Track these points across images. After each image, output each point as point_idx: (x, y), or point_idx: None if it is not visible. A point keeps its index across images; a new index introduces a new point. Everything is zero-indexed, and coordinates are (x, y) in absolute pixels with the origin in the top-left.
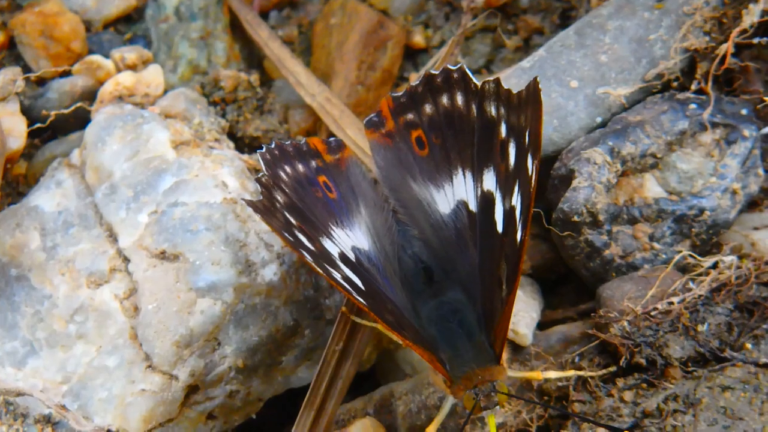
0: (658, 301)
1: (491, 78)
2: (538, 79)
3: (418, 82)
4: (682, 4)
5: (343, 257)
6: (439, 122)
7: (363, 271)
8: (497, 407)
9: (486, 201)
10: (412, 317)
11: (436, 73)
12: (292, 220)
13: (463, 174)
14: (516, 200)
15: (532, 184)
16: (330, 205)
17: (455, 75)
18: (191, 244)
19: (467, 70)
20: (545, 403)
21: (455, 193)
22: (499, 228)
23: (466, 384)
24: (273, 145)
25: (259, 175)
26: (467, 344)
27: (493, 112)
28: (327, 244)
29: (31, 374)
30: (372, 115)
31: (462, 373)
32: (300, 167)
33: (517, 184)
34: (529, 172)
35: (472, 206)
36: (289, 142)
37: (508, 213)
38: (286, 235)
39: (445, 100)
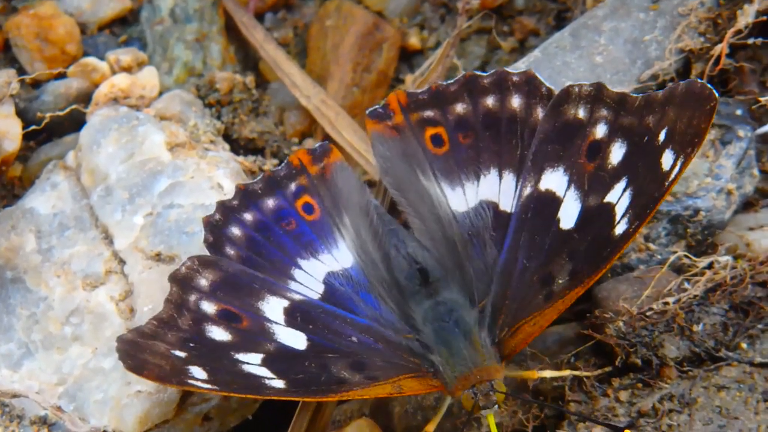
0: (654, 302)
1: (586, 83)
2: (703, 82)
3: (452, 81)
4: (676, 5)
5: (290, 311)
6: (472, 122)
7: (330, 304)
8: (496, 406)
9: (540, 200)
10: (399, 328)
11: (483, 74)
12: (210, 310)
13: (499, 174)
14: (616, 197)
15: (672, 178)
16: (304, 235)
17: (515, 78)
18: (187, 246)
19: (538, 75)
20: (541, 402)
21: (479, 192)
22: (566, 225)
23: (464, 384)
24: (233, 194)
25: (175, 271)
26: (464, 344)
27: (582, 114)
28: (267, 305)
29: (26, 376)
30: (377, 106)
31: (459, 374)
32: (269, 203)
33: (622, 181)
34: (664, 168)
35: (506, 206)
36: (257, 180)
37: (594, 209)
38: (176, 353)
39: (490, 101)
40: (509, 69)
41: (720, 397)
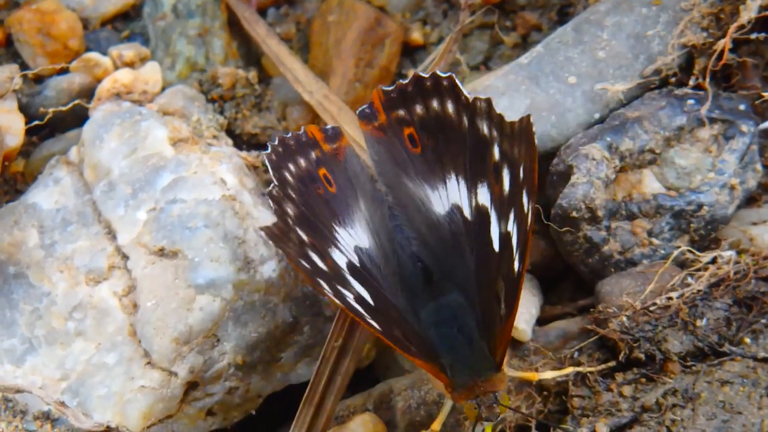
0: (657, 297)
1: (483, 97)
2: (531, 117)
3: (407, 81)
4: (679, 0)
5: (351, 267)
6: (430, 124)
7: (367, 275)
8: (498, 417)
9: (481, 215)
10: (413, 320)
11: (426, 76)
12: (304, 237)
13: (457, 180)
14: (512, 228)
15: (528, 224)
16: (330, 202)
17: (445, 83)
18: (190, 241)
19: (457, 81)
20: (543, 399)
21: (449, 196)
22: (496, 247)
23: (467, 394)
24: (276, 142)
25: (270, 188)
26: (468, 350)
27: (485, 131)
28: (335, 254)
29: (30, 371)
30: (364, 106)
31: (463, 383)
32: (302, 162)
33: (512, 212)
34: (525, 209)
35: (467, 213)
36: (290, 135)
37: (504, 237)
38: (303, 262)
39: (435, 104)
40: (511, 64)
41: (723, 391)
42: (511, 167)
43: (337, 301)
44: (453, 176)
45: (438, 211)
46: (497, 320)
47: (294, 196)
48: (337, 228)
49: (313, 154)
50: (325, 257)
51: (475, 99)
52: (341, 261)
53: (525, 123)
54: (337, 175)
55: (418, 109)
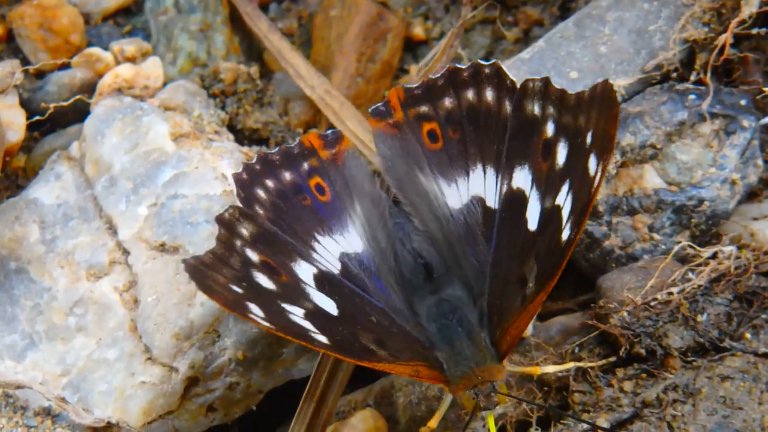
0: (658, 292)
1: (537, 77)
2: (609, 81)
3: (438, 75)
4: None
5: (320, 278)
6: (459, 117)
7: (348, 282)
8: (497, 407)
9: (514, 198)
10: (406, 320)
11: (463, 66)
12: (254, 258)
13: (483, 170)
14: (563, 200)
15: (595, 185)
16: (319, 211)
17: (487, 70)
18: (191, 236)
19: (502, 66)
20: (544, 394)
21: (470, 188)
22: (532, 226)
23: (466, 384)
24: (255, 159)
25: (221, 212)
26: (467, 343)
27: (537, 110)
28: (300, 268)
29: (30, 367)
30: (379, 104)
31: (461, 373)
32: (286, 176)
33: (566, 183)
34: (591, 173)
35: (491, 203)
36: (275, 151)
37: (549, 212)
38: (233, 288)
39: (470, 95)
40: (513, 59)
41: (724, 387)
42: (572, 138)
43: (267, 324)
44: (479, 167)
45: (452, 205)
46: (516, 305)
47: (260, 212)
48: (318, 237)
49: (305, 165)
50: (281, 273)
51: (527, 80)
52: (306, 273)
53: (603, 87)
54: (333, 181)
55: (447, 102)
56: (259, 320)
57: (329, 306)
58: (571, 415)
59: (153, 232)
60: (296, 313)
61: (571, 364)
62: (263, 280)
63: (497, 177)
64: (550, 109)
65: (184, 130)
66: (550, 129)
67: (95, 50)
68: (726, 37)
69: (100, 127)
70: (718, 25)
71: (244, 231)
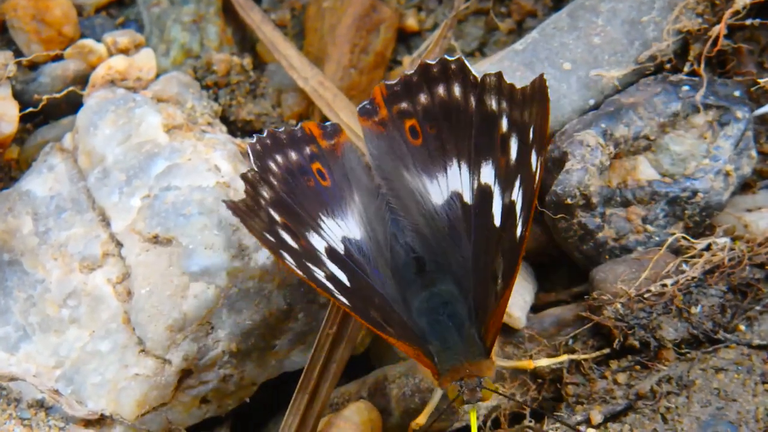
0: (652, 284)
1: (492, 72)
2: (545, 76)
3: (412, 71)
4: None
5: (330, 252)
6: (434, 112)
7: (351, 263)
8: (479, 402)
9: (483, 194)
10: (401, 309)
11: (433, 62)
12: (276, 217)
13: (459, 166)
14: (517, 195)
15: (536, 181)
16: (322, 194)
17: (453, 66)
18: (184, 228)
19: (466, 62)
20: (538, 386)
21: (449, 184)
22: (497, 222)
23: (453, 376)
24: (265, 134)
25: (245, 171)
26: (457, 337)
27: (494, 105)
28: (313, 239)
29: (24, 359)
30: (365, 102)
31: (450, 366)
32: (293, 155)
33: (518, 179)
34: (533, 169)
35: (467, 198)
36: (282, 129)
37: (508, 207)
38: (267, 236)
39: (441, 90)
40: (506, 51)
41: (718, 379)
42: (520, 133)
43: (299, 272)
44: (454, 162)
45: (435, 202)
46: (492, 301)
47: (274, 182)
48: (323, 218)
49: (308, 150)
50: (299, 238)
51: (485, 75)
52: (319, 244)
53: (538, 83)
54: (333, 170)
55: (423, 98)
56: (294, 268)
57: (343, 277)
58: (556, 418)
59: (146, 224)
60: (319, 274)
61: (564, 357)
62: (287, 238)
63: (470, 172)
64: (504, 104)
65: (177, 121)
66: (504, 124)
67: (88, 42)
68: (720, 28)
69: (93, 119)
70: (712, 16)
71: (265, 193)
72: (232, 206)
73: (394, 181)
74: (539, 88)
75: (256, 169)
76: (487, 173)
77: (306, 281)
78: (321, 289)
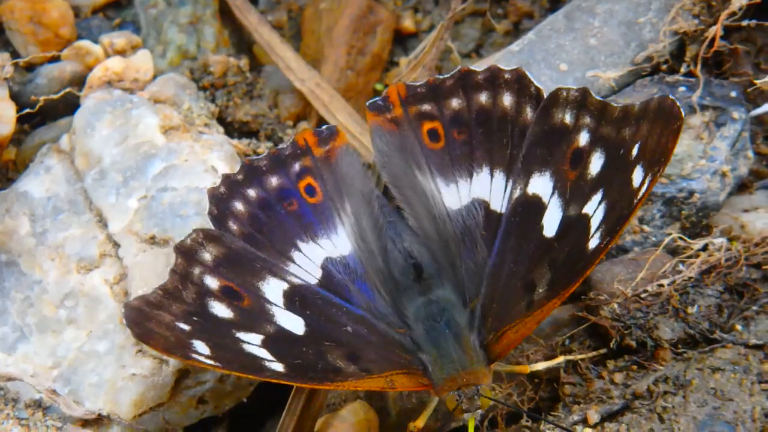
0: (648, 284)
1: (573, 87)
2: (674, 99)
3: (448, 75)
4: None
5: (289, 294)
6: (466, 118)
7: (325, 291)
8: (479, 411)
9: (527, 204)
10: (392, 321)
11: (478, 69)
12: (213, 285)
13: (491, 173)
14: (592, 209)
15: (639, 197)
16: (305, 216)
17: (507, 75)
18: (181, 228)
19: (527, 73)
20: (535, 386)
21: (472, 190)
22: (548, 232)
23: (450, 386)
24: (238, 170)
25: (184, 239)
26: (454, 345)
27: (568, 119)
28: (268, 286)
29: (21, 359)
30: (377, 98)
31: (446, 375)
32: (273, 182)
33: (599, 193)
34: (634, 185)
35: (497, 206)
36: (263, 156)
37: (572, 219)
38: (180, 325)
39: (483, 98)
40: (503, 52)
41: (715, 378)
42: (611, 149)
43: (209, 362)
44: (485, 170)
45: (450, 206)
46: (518, 309)
47: (235, 227)
48: (300, 245)
49: (296, 166)
50: (243, 298)
51: (560, 89)
52: (275, 292)
53: (662, 102)
54: (325, 180)
55: (455, 103)
56: (202, 359)
57: (296, 325)
58: (551, 421)
59: (143, 225)
60: (253, 342)
61: (561, 359)
62: (220, 309)
63: (507, 181)
64: (587, 119)
65: (173, 122)
66: (583, 138)
67: (85, 43)
68: (716, 29)
69: (90, 120)
70: (708, 17)
71: (207, 256)
72: (130, 311)
73: (401, 181)
74: (662, 106)
75: (210, 218)
76: (541, 184)
77: (216, 369)
78: (240, 371)
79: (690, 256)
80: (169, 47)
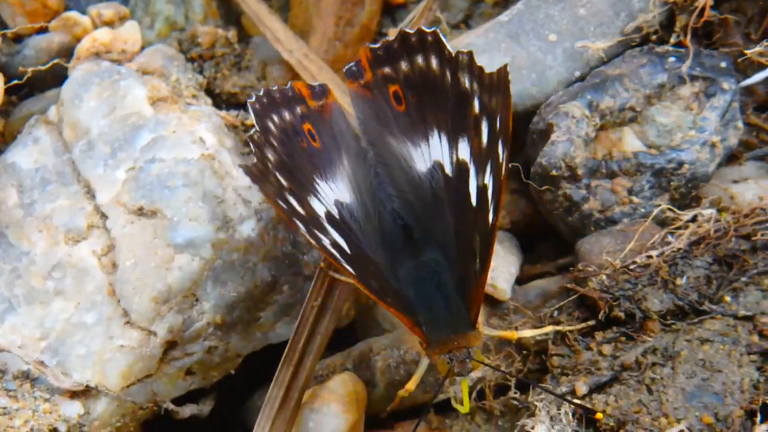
0: (637, 255)
1: (465, 50)
2: (507, 66)
3: (393, 38)
4: None
5: (329, 216)
6: (415, 81)
7: (346, 228)
8: (470, 373)
9: (461, 170)
10: (390, 277)
11: (411, 32)
12: (283, 182)
13: (439, 136)
14: (488, 180)
15: (503, 173)
16: (314, 156)
17: (429, 38)
18: (169, 200)
19: (441, 36)
20: (523, 358)
21: (431, 153)
22: (473, 201)
23: (441, 349)
24: (261, 92)
25: (251, 132)
26: (444, 308)
27: (467, 84)
28: (314, 203)
29: (9, 331)
30: (351, 64)
31: (438, 338)
32: (286, 115)
33: (489, 164)
34: (500, 160)
35: (448, 170)
36: (275, 88)
37: (481, 190)
38: (280, 202)
39: (420, 60)
40: (492, 22)
41: (703, 350)
42: (489, 119)
43: (313, 242)
44: (435, 133)
45: (419, 169)
46: (472, 277)
47: (275, 144)
48: (318, 180)
49: (299, 109)
50: (303, 203)
51: (458, 53)
52: (320, 209)
53: (501, 73)
54: (322, 131)
55: (404, 65)
56: (308, 237)
57: (343, 243)
58: (542, 388)
59: (131, 196)
60: (325, 241)
61: (549, 328)
62: (295, 204)
63: (449, 145)
64: (475, 85)
65: (161, 94)
66: (476, 105)
67: (73, 14)
68: None
69: (78, 91)
70: None
71: (270, 155)
72: (249, 171)
73: (380, 145)
74: (502, 77)
75: (258, 129)
76: (464, 150)
77: (320, 251)
78: (332, 259)
79: (679, 228)
80: (157, 18)
